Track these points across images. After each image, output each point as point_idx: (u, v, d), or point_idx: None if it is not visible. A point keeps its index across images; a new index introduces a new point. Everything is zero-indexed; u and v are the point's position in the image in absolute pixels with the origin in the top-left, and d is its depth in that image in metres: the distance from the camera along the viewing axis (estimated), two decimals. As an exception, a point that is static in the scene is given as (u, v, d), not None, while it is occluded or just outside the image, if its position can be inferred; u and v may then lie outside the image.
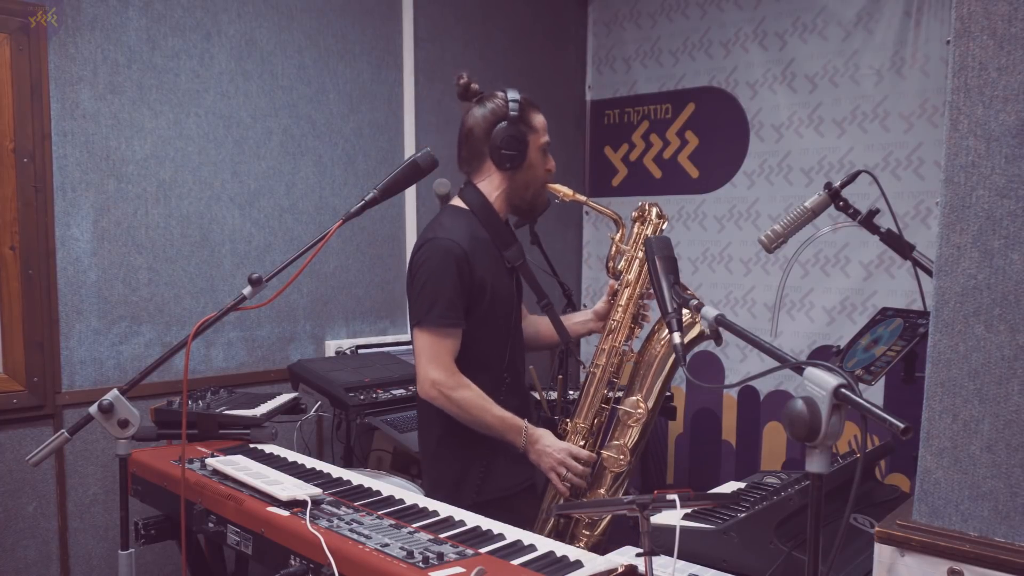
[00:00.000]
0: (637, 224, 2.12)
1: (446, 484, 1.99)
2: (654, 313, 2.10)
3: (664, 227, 2.10)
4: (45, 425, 2.43)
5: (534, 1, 3.84)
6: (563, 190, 2.09)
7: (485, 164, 2.04)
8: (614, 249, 2.10)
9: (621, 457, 1.98)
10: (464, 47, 3.53)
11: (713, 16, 3.57)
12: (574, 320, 2.24)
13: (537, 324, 2.29)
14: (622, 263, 2.09)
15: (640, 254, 2.08)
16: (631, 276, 2.07)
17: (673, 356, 1.98)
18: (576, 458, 1.96)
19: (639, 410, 1.98)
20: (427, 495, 1.90)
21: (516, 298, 2.11)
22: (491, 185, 2.05)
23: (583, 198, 2.10)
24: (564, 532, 2.01)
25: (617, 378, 2.05)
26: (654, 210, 2.11)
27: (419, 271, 1.94)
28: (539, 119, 2.06)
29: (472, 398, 1.93)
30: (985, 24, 1.19)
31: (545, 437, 1.98)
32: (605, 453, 2.00)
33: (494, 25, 3.65)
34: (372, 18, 3.18)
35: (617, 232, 2.11)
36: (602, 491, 2.00)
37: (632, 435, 1.99)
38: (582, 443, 2.01)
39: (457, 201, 2.08)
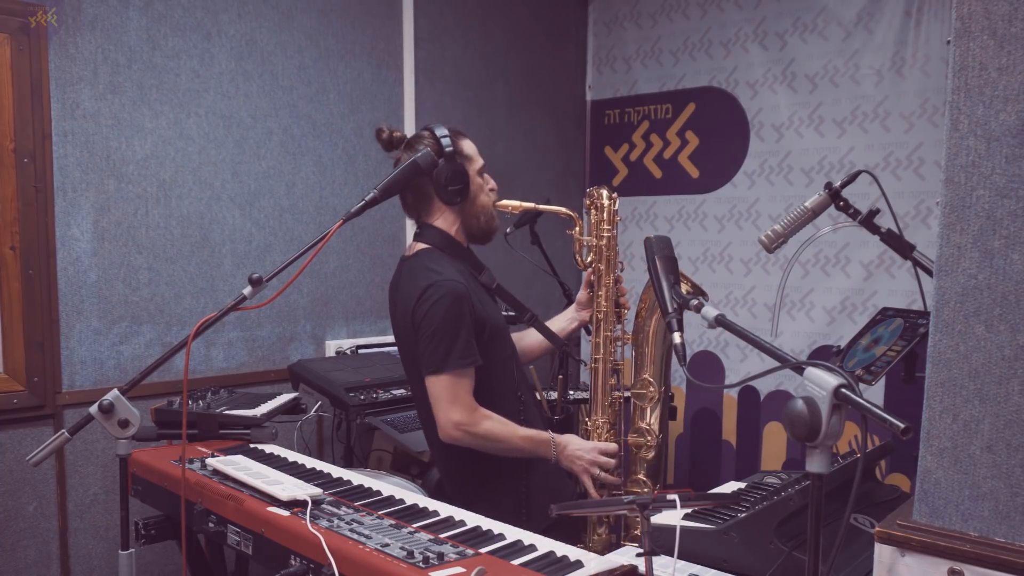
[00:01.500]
0: (593, 211, 2.12)
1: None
2: (632, 293, 2.11)
3: (616, 205, 2.10)
4: (45, 425, 2.43)
5: (534, 1, 3.83)
6: (511, 204, 2.10)
7: (434, 204, 2.04)
8: (577, 244, 2.11)
9: (648, 438, 2.00)
10: (464, 47, 3.53)
11: (713, 16, 3.57)
12: (562, 320, 2.26)
13: (523, 339, 2.29)
14: (589, 256, 2.11)
15: (603, 242, 2.09)
16: (602, 265, 2.09)
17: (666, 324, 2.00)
18: (605, 453, 1.98)
19: (650, 389, 2.00)
20: None
21: (503, 319, 2.13)
22: (446, 222, 2.05)
23: (531, 204, 2.11)
24: (617, 529, 2.05)
25: (620, 365, 2.07)
26: (603, 192, 2.11)
27: (426, 317, 1.89)
28: (468, 145, 2.07)
29: (496, 427, 1.93)
30: (985, 24, 1.19)
31: (573, 442, 1.99)
32: (632, 438, 2.02)
33: (494, 25, 3.65)
34: (372, 18, 3.18)
35: (575, 227, 2.11)
36: (641, 476, 2.02)
37: (654, 416, 2.01)
38: (606, 437, 2.05)
39: (420, 245, 2.05)
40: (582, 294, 2.18)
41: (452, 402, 1.89)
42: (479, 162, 2.07)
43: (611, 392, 2.05)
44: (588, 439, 2.04)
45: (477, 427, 1.90)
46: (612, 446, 2.01)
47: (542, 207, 2.14)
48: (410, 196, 2.06)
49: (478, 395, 1.95)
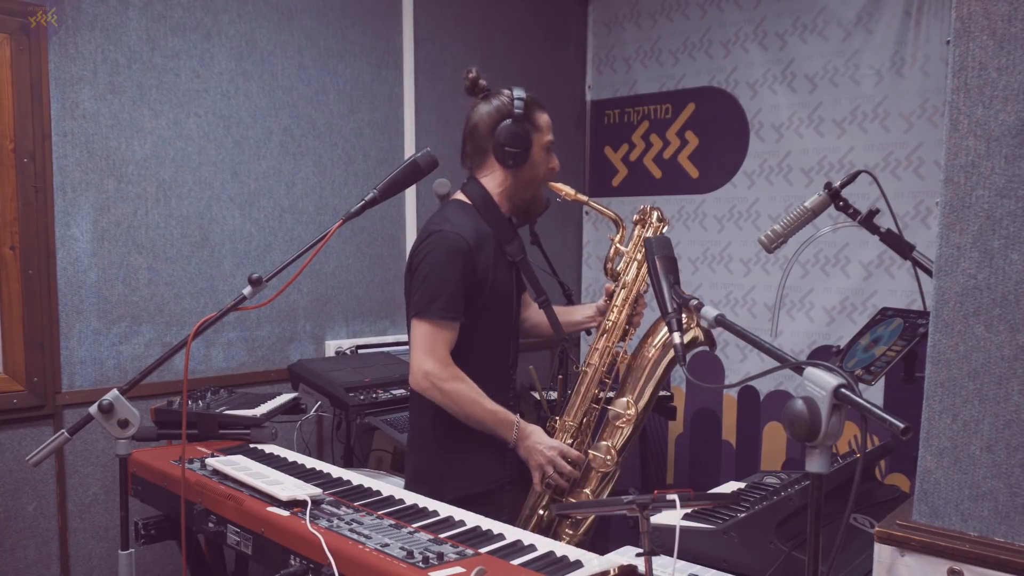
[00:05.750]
0: (637, 227, 2.12)
1: (428, 477, 1.99)
2: (648, 317, 2.11)
3: (665, 230, 2.10)
4: (45, 425, 2.43)
5: (534, 1, 3.83)
6: (565, 189, 2.11)
7: (488, 160, 2.06)
8: (613, 250, 2.10)
9: (608, 457, 1.98)
10: (464, 47, 3.53)
11: (713, 16, 3.57)
12: (578, 314, 2.25)
13: (538, 314, 2.29)
14: (620, 264, 2.10)
15: (639, 256, 2.08)
16: (628, 278, 2.07)
17: (666, 361, 1.99)
18: (566, 457, 1.96)
19: (629, 411, 1.98)
20: (407, 487, 1.91)
21: (516, 293, 2.12)
22: (494, 181, 2.07)
23: (584, 198, 2.12)
24: (547, 530, 2.01)
25: (609, 378, 2.05)
26: (655, 213, 2.12)
27: (423, 262, 1.95)
28: (544, 118, 2.08)
29: (464, 391, 1.93)
30: (985, 24, 1.19)
31: (536, 433, 1.98)
32: (592, 453, 2.00)
33: (494, 25, 3.65)
34: (372, 18, 3.18)
35: (617, 233, 2.11)
36: (587, 491, 2.00)
37: (620, 436, 1.99)
38: (570, 441, 2.01)
39: (460, 195, 2.09)
40: (604, 303, 2.15)
41: (427, 351, 1.92)
42: (548, 137, 2.08)
43: (592, 401, 2.03)
44: (551, 436, 2.01)
45: (445, 384, 1.91)
46: (576, 453, 1.98)
47: (593, 204, 2.14)
48: (469, 146, 2.08)
49: (465, 357, 1.96)
